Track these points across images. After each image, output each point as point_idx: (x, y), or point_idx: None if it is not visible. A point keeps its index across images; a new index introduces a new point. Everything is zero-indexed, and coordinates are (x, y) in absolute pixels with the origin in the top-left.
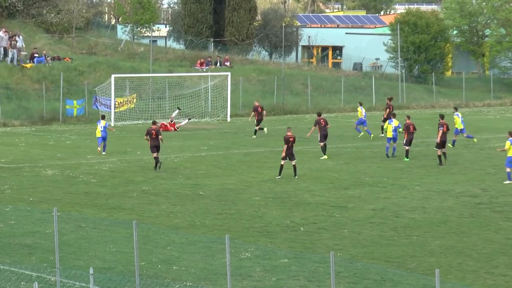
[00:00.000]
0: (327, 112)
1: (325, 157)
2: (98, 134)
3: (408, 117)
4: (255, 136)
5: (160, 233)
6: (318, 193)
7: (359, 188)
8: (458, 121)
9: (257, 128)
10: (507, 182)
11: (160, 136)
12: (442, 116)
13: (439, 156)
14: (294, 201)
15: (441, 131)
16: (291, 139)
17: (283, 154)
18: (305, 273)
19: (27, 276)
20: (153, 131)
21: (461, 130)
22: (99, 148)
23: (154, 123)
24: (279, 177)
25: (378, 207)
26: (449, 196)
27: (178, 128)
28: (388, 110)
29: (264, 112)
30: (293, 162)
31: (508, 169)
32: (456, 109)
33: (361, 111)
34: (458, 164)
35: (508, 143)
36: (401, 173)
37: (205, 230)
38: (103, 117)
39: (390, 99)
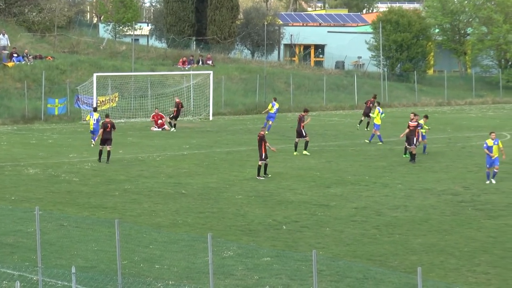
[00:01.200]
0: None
1: (295, 153)
2: (92, 127)
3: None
4: (174, 129)
5: (142, 231)
6: (300, 191)
7: (341, 187)
8: (378, 115)
9: (174, 122)
10: (494, 181)
11: (113, 129)
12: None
13: (411, 153)
14: (276, 200)
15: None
16: (257, 138)
17: None
18: (287, 271)
19: (9, 275)
20: (108, 124)
21: (376, 126)
22: (93, 142)
23: (107, 116)
24: (268, 176)
25: (360, 205)
26: (431, 194)
27: (162, 128)
28: (368, 105)
29: (182, 108)
30: (259, 162)
31: (496, 169)
32: (378, 103)
33: (272, 107)
34: (440, 162)
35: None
36: (383, 171)
37: (187, 229)
38: (95, 109)
39: (375, 97)
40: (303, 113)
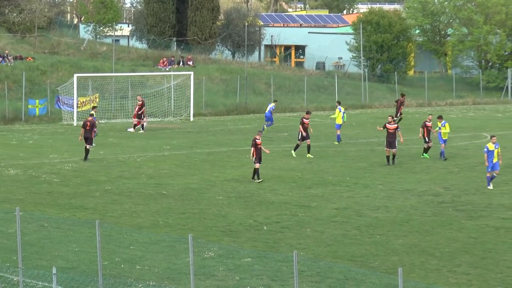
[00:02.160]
0: (290, 112)
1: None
2: None
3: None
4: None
5: (123, 232)
6: (281, 192)
7: (322, 187)
8: (339, 115)
9: (143, 122)
10: (491, 187)
11: (94, 129)
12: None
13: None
14: (257, 200)
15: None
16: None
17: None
18: (268, 272)
19: None
20: (87, 123)
21: (337, 125)
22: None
23: (91, 115)
24: (259, 180)
25: (341, 206)
26: (412, 195)
27: (134, 128)
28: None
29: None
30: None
31: (496, 173)
32: (339, 103)
33: (268, 107)
34: (420, 163)
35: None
36: (364, 172)
37: (168, 230)
38: (93, 108)
39: (403, 95)
40: (305, 115)
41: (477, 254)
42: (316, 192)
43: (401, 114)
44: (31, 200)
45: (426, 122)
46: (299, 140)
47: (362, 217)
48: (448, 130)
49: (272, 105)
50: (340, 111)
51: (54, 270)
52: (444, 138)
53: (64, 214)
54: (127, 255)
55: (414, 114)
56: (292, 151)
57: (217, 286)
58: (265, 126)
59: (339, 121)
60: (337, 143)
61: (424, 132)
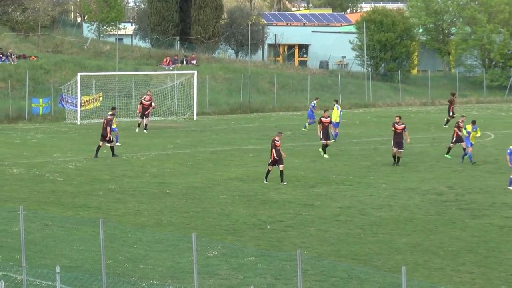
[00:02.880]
0: (293, 111)
1: (325, 156)
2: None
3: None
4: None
5: (126, 231)
6: (284, 191)
7: (326, 186)
8: (336, 113)
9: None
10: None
11: (108, 128)
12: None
13: (393, 156)
14: (260, 199)
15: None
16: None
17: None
18: (272, 271)
19: None
20: (104, 121)
21: (334, 124)
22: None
23: (112, 114)
24: (283, 183)
25: (345, 205)
26: (416, 194)
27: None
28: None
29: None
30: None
31: None
32: (336, 101)
33: (312, 105)
34: (424, 162)
35: None
36: (367, 171)
37: (171, 228)
38: (113, 108)
39: (453, 94)
40: (324, 114)
41: (480, 253)
42: (320, 191)
43: (453, 114)
44: (35, 199)
45: (459, 123)
46: (321, 139)
47: (366, 216)
48: (479, 134)
49: (313, 102)
50: (337, 110)
51: (57, 269)
52: (472, 142)
53: (67, 213)
54: (130, 254)
55: (417, 113)
56: (321, 151)
57: (220, 285)
58: (306, 124)
59: (336, 119)
60: (334, 140)
61: (455, 132)
